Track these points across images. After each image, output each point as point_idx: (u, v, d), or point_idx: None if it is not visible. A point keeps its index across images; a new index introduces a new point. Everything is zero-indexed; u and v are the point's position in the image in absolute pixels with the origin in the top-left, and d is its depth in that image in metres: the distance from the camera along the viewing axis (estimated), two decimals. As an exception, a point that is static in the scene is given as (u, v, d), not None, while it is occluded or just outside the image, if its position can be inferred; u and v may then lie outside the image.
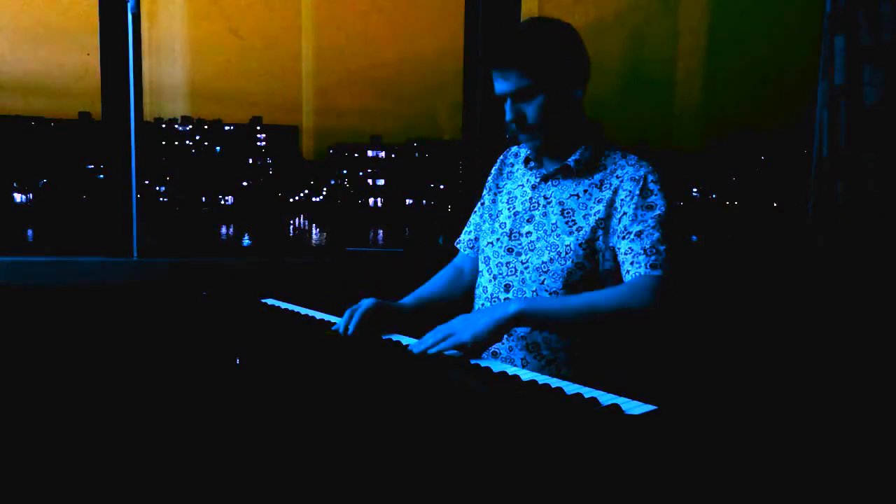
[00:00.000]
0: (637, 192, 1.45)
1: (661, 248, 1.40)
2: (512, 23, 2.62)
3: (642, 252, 1.40)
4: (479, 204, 1.78)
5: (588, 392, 1.11)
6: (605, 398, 1.07)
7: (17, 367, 2.24)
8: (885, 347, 2.31)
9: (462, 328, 1.35)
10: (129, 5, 2.45)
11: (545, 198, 1.56)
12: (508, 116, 1.49)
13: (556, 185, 1.56)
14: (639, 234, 1.42)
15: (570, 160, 1.53)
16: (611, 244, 1.47)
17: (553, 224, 1.52)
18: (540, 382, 1.16)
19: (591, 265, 1.48)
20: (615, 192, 1.48)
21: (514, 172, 1.68)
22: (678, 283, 1.40)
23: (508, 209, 1.62)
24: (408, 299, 1.67)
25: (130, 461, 1.83)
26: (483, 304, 1.60)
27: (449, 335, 1.35)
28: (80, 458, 1.91)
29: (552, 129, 1.50)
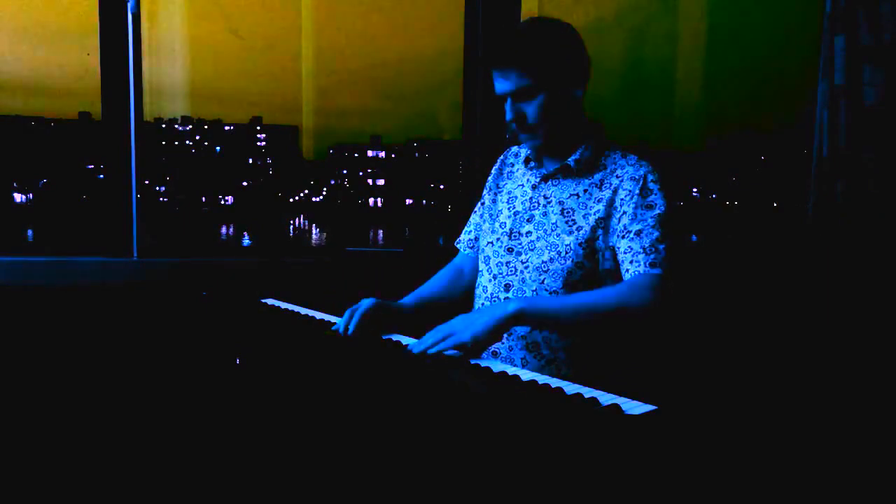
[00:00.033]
0: (637, 191, 1.45)
1: (661, 246, 1.40)
2: (512, 23, 2.62)
3: (642, 251, 1.41)
4: (479, 204, 1.78)
5: (588, 392, 1.11)
6: (605, 398, 1.07)
7: (17, 367, 2.24)
8: (885, 347, 2.31)
9: (462, 328, 1.35)
10: (129, 5, 2.45)
11: (545, 197, 1.56)
12: (508, 116, 1.49)
13: (556, 185, 1.56)
14: (638, 233, 1.42)
15: (571, 160, 1.53)
16: (610, 243, 1.47)
17: (553, 224, 1.52)
18: (540, 382, 1.16)
19: (591, 265, 1.48)
20: (615, 191, 1.48)
21: (514, 172, 1.68)
22: (678, 283, 1.40)
23: (508, 209, 1.62)
24: (408, 299, 1.67)
25: (131, 461, 1.83)
26: (483, 304, 1.60)
27: (449, 335, 1.35)
28: (81, 458, 1.91)
29: (552, 128, 1.50)
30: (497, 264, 1.58)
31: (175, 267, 2.48)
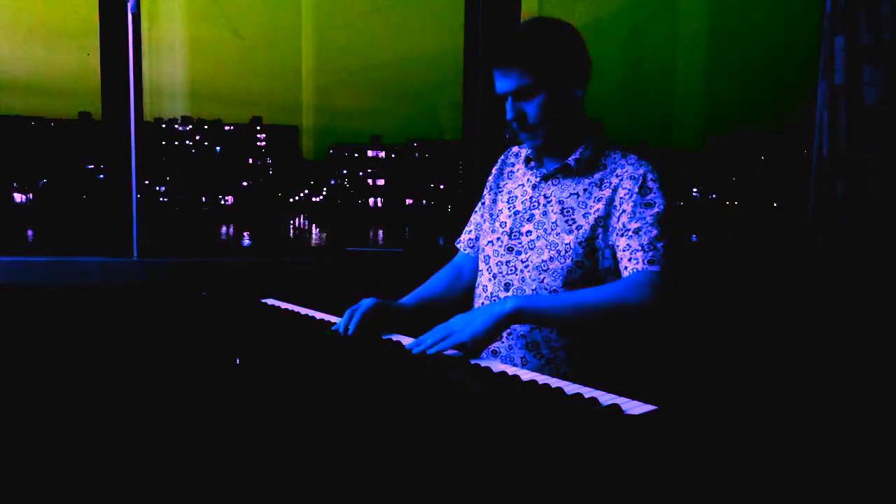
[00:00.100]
0: (636, 190, 1.46)
1: (659, 244, 1.40)
2: (512, 23, 2.62)
3: (640, 248, 1.41)
4: (479, 203, 1.78)
5: (588, 392, 1.11)
6: (605, 398, 1.07)
7: (17, 367, 2.24)
8: (885, 347, 2.31)
9: (461, 327, 1.35)
10: (129, 5, 2.45)
11: (545, 197, 1.56)
12: (509, 115, 1.49)
13: (556, 185, 1.56)
14: (637, 231, 1.42)
15: (571, 159, 1.53)
16: (610, 242, 1.47)
17: (553, 223, 1.52)
18: (540, 382, 1.16)
19: (591, 263, 1.48)
20: (615, 190, 1.48)
21: (514, 172, 1.68)
22: (677, 282, 1.40)
23: (509, 208, 1.62)
24: (407, 299, 1.67)
25: (131, 461, 1.83)
26: (483, 304, 1.60)
27: (448, 335, 1.35)
28: (81, 458, 1.91)
29: (552, 128, 1.50)
30: (497, 263, 1.58)
31: (175, 267, 2.48)
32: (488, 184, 1.73)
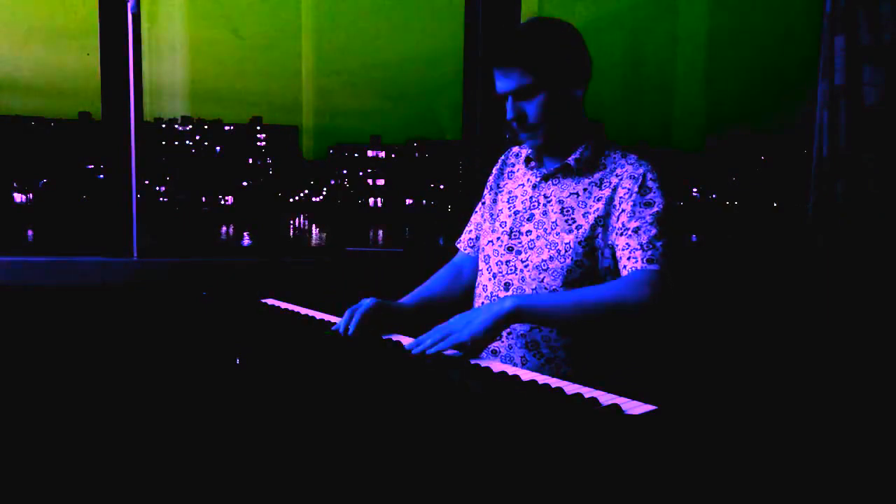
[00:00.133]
0: (636, 189, 1.46)
1: (658, 243, 1.41)
2: (512, 23, 2.62)
3: (639, 247, 1.41)
4: (480, 203, 1.78)
5: (588, 392, 1.11)
6: (605, 398, 1.07)
7: (17, 367, 2.24)
8: (885, 347, 2.31)
9: (460, 327, 1.34)
10: (129, 5, 2.45)
11: (545, 196, 1.56)
12: (509, 115, 1.49)
13: (556, 184, 1.56)
14: (636, 231, 1.42)
15: (571, 159, 1.53)
16: (609, 241, 1.48)
17: (553, 223, 1.53)
18: (540, 382, 1.16)
19: (591, 263, 1.48)
20: (614, 190, 1.48)
21: (514, 172, 1.68)
22: (677, 282, 1.40)
23: (509, 208, 1.62)
24: (407, 299, 1.67)
25: (131, 461, 1.83)
26: (483, 303, 1.61)
27: (447, 335, 1.34)
28: (81, 458, 1.91)
29: (552, 128, 1.50)
30: (497, 263, 1.59)
31: (175, 267, 2.48)
32: (489, 184, 1.74)
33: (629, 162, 1.50)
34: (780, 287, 2.59)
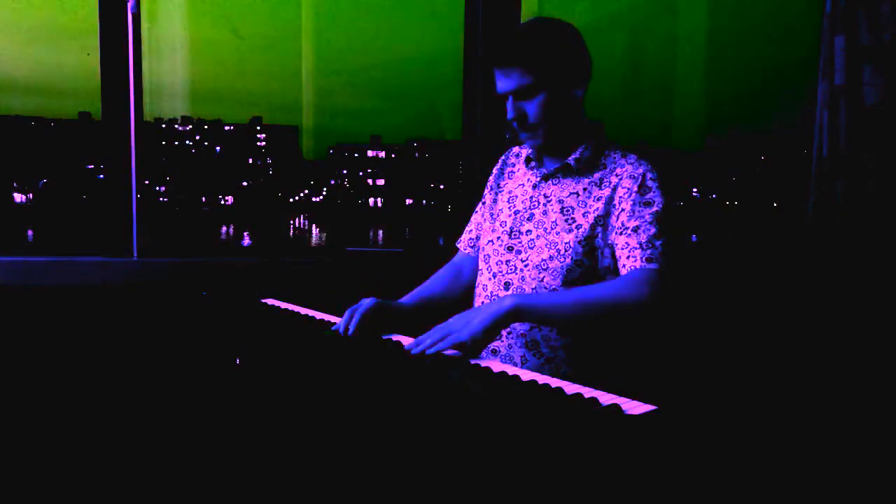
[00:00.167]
0: (635, 189, 1.46)
1: (658, 242, 1.41)
2: (512, 23, 2.62)
3: (638, 246, 1.41)
4: (480, 203, 1.78)
5: (588, 392, 1.11)
6: (605, 398, 1.07)
7: (17, 367, 2.24)
8: (885, 347, 2.31)
9: (459, 327, 1.34)
10: (129, 5, 2.45)
11: (545, 196, 1.56)
12: (510, 115, 1.49)
13: (556, 184, 1.56)
14: (636, 230, 1.43)
15: (571, 159, 1.53)
16: (609, 241, 1.48)
17: (553, 222, 1.53)
18: (540, 382, 1.16)
19: (591, 262, 1.48)
20: (614, 189, 1.48)
21: (515, 172, 1.68)
22: (676, 281, 1.40)
23: (509, 208, 1.62)
24: (407, 299, 1.67)
25: (131, 461, 1.83)
26: (483, 303, 1.61)
27: (447, 335, 1.34)
28: (81, 458, 1.91)
29: (553, 127, 1.50)
30: (497, 263, 1.59)
31: (175, 267, 2.48)
32: (489, 183, 1.74)
33: (629, 161, 1.50)
34: (779, 287, 2.59)
